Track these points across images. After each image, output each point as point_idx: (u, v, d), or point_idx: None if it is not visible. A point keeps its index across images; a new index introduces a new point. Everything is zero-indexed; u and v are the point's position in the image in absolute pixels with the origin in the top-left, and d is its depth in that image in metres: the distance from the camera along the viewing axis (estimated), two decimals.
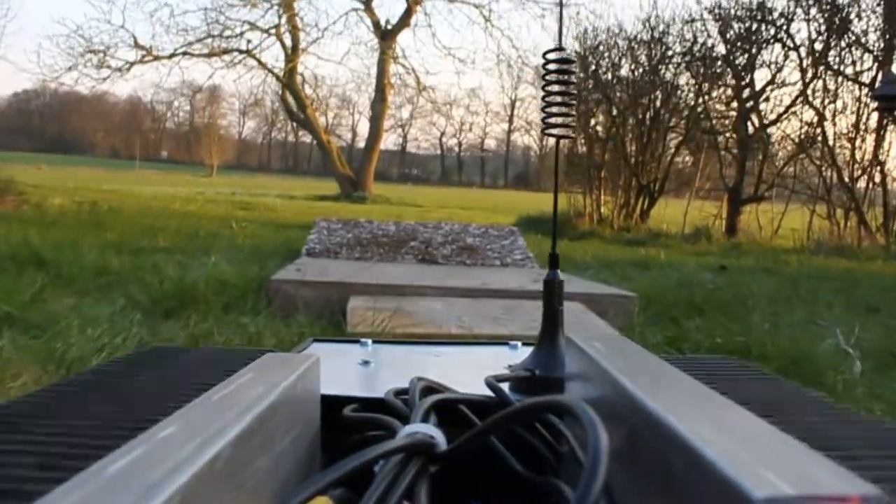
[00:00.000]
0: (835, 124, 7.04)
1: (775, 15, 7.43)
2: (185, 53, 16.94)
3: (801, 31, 7.84)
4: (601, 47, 9.01)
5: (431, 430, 0.38)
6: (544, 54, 0.63)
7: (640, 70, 8.90)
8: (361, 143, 19.50)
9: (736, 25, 7.99)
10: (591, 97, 9.05)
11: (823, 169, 7.21)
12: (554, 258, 0.64)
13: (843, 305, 3.31)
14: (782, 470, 0.22)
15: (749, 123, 8.24)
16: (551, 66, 0.63)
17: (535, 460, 0.43)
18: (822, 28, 6.90)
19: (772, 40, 7.62)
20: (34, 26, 22.48)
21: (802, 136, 7.58)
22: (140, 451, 0.25)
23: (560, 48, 0.63)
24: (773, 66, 7.83)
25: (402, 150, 51.47)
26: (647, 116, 8.83)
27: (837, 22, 6.68)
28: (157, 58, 16.85)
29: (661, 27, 8.68)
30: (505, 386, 0.55)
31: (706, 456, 0.24)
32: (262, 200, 12.94)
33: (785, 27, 7.34)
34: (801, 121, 7.62)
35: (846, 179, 6.94)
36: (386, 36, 18.24)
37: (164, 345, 1.21)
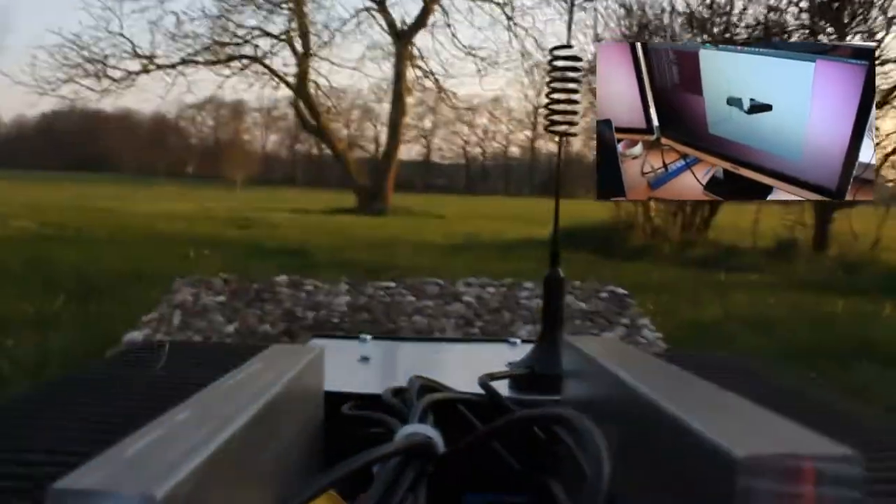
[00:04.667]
0: None
1: None
2: (190, 61, 15.90)
3: None
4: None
5: (429, 431, 0.38)
6: (551, 50, 0.65)
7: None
8: None
9: None
10: None
11: None
12: (554, 255, 0.64)
13: None
14: (764, 436, 0.24)
15: None
16: (558, 63, 0.64)
17: (530, 456, 0.44)
18: None
19: None
20: (27, 36, 21.63)
21: None
22: (158, 433, 0.26)
23: (568, 45, 0.65)
24: None
25: (426, 159, 50.41)
26: None
27: None
28: (160, 67, 15.84)
29: None
30: (502, 383, 0.56)
31: (692, 426, 0.25)
32: (268, 216, 11.72)
33: None
34: None
35: None
36: (402, 36, 16.99)
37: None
